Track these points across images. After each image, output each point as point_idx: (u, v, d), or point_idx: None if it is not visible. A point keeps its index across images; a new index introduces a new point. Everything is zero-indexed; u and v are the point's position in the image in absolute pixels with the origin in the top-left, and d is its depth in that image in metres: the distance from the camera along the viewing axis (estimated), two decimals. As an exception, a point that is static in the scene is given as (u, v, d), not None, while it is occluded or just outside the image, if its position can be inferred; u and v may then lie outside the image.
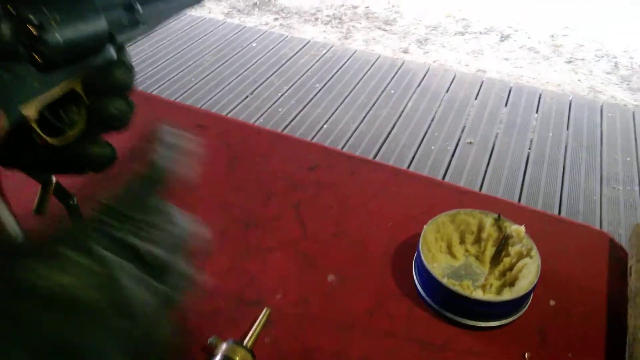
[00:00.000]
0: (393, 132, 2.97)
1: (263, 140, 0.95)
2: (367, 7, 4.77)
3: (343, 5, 4.81)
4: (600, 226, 2.37)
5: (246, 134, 0.97)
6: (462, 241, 0.73)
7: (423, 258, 0.65)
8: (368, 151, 2.78)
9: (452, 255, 0.72)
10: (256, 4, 4.79)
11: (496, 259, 0.70)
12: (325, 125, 3.00)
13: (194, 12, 4.53)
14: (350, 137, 2.90)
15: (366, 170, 0.88)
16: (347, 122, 3.03)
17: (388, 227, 0.78)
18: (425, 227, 0.69)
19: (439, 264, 0.71)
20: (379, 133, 2.96)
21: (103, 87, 0.37)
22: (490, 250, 0.71)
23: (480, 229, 0.72)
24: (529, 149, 2.87)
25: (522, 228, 0.68)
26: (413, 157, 2.77)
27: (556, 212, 2.46)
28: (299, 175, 0.87)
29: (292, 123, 3.00)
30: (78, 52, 0.37)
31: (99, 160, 0.37)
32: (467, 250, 0.73)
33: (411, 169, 2.68)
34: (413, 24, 4.47)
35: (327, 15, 4.60)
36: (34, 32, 0.34)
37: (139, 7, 0.44)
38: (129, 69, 0.38)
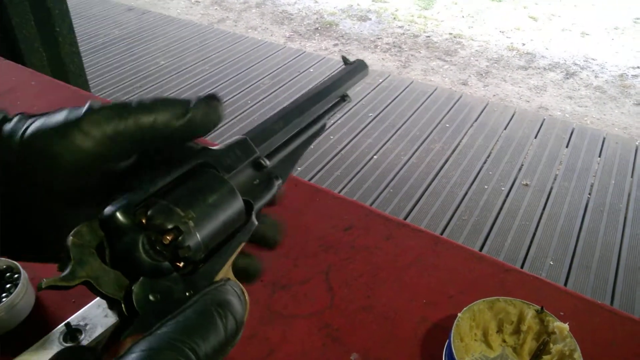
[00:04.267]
0: (445, 167, 2.89)
1: (300, 194, 0.93)
2: (428, 37, 4.72)
3: (404, 33, 4.78)
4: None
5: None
6: (500, 330, 0.68)
7: (454, 350, 0.60)
8: (417, 186, 2.72)
9: (488, 344, 0.67)
10: (317, 29, 4.84)
11: (536, 356, 0.64)
12: (375, 156, 2.96)
13: (256, 35, 4.62)
14: (400, 170, 2.85)
15: (403, 236, 0.84)
16: (398, 154, 2.98)
17: (421, 304, 0.73)
18: (459, 314, 0.64)
19: (472, 354, 0.66)
20: (430, 168, 2.88)
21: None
22: (529, 344, 0.65)
23: (521, 319, 0.66)
24: (589, 194, 2.73)
25: (566, 326, 0.62)
26: (464, 196, 2.68)
27: (614, 265, 2.32)
28: (332, 236, 0.84)
29: (342, 152, 2.98)
30: (220, 241, 0.34)
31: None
32: (504, 341, 0.67)
33: (462, 208, 2.59)
34: (474, 55, 4.38)
35: (387, 43, 4.58)
36: (172, 240, 0.30)
37: (266, 161, 0.41)
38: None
